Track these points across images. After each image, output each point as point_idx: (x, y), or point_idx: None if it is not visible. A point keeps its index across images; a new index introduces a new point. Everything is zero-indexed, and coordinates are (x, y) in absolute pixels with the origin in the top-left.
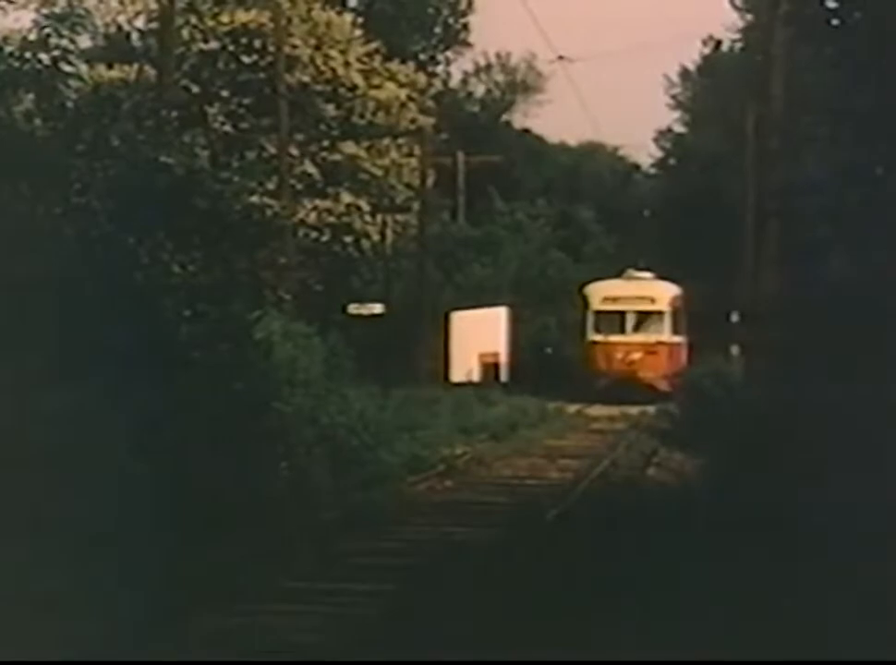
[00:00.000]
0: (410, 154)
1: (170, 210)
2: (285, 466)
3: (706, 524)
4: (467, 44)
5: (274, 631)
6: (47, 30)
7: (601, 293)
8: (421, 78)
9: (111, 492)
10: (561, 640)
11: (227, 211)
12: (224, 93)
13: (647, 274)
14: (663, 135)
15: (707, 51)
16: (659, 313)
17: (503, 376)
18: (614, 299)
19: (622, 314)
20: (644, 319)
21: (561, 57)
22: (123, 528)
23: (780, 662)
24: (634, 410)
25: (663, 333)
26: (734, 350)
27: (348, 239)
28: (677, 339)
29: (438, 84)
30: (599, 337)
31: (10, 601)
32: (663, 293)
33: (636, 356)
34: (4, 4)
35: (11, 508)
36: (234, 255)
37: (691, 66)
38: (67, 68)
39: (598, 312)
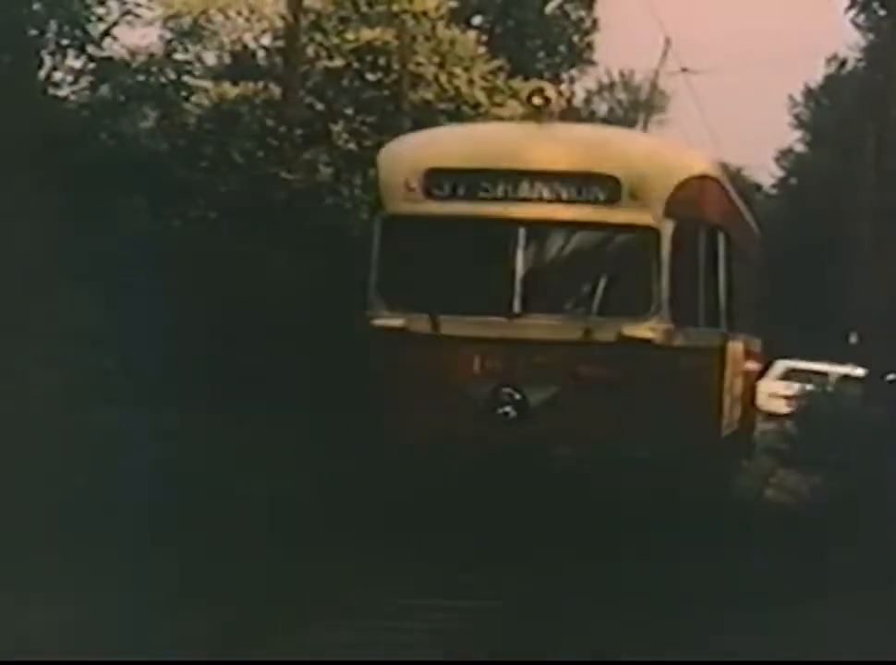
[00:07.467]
0: None
1: (289, 224)
2: None
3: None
4: (592, 63)
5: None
6: (172, 46)
7: (426, 158)
8: None
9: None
10: None
11: (347, 226)
12: (348, 111)
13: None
14: (784, 155)
15: (830, 70)
16: (638, 231)
17: None
18: (469, 177)
19: (503, 237)
20: (577, 251)
21: (684, 69)
22: (247, 537)
23: (781, 662)
24: None
25: (646, 312)
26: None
27: None
28: (699, 339)
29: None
30: (396, 321)
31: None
32: (650, 163)
33: (539, 395)
34: (131, 18)
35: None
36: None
37: (814, 86)
38: (191, 82)
39: (393, 220)
